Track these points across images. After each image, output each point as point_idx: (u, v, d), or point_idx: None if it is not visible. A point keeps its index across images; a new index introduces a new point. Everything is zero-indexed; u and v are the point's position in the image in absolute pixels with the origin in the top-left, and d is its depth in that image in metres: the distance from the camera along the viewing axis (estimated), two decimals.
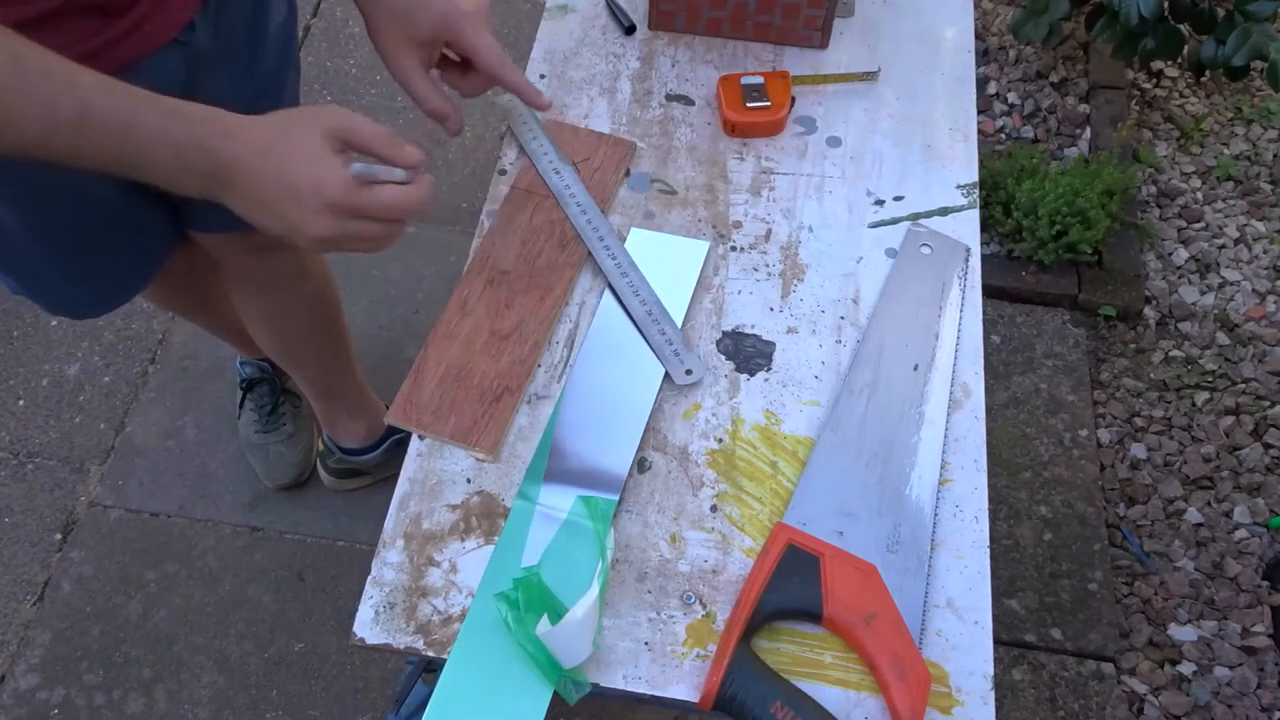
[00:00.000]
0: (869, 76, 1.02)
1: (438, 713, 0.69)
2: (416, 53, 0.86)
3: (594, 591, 0.69)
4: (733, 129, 0.98)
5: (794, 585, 0.72)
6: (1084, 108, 2.21)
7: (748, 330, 0.87)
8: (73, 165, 0.67)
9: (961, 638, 0.73)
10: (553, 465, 0.79)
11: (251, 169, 0.70)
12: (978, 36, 2.32)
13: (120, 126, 0.66)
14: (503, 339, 0.85)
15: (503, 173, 0.95)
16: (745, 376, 0.85)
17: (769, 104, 0.97)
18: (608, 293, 0.89)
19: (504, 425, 0.80)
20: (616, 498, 0.78)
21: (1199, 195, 2.12)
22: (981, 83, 2.25)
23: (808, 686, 0.70)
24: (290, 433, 1.71)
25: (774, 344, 0.87)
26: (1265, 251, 2.04)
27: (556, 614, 0.69)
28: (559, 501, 0.77)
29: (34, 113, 0.64)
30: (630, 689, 0.71)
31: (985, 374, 0.86)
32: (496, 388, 0.82)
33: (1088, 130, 2.18)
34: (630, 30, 1.07)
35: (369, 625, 0.73)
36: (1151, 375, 1.89)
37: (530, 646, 0.69)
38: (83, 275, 1.09)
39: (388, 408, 0.86)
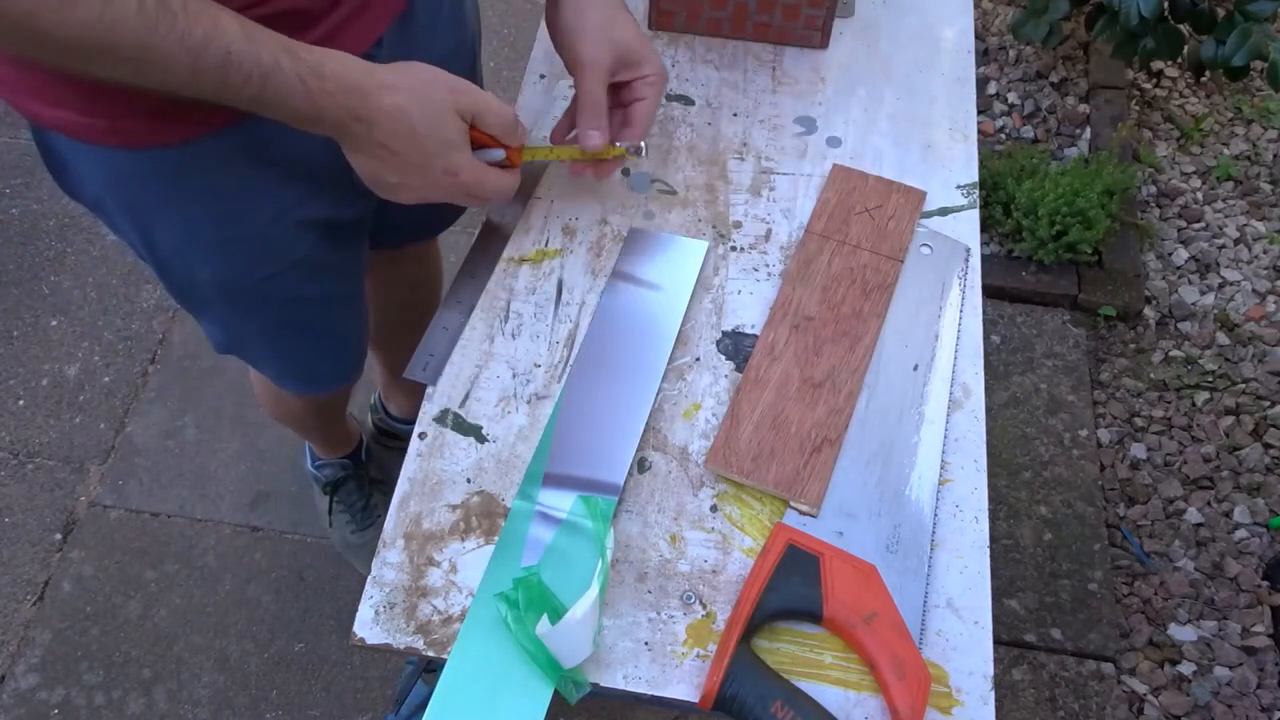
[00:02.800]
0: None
1: (438, 712, 0.69)
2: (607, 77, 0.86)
3: (594, 591, 0.69)
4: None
5: (794, 585, 0.72)
6: (1084, 108, 2.21)
7: (748, 330, 0.87)
8: (215, 102, 0.70)
9: (961, 638, 0.73)
10: (552, 465, 0.79)
11: (387, 138, 0.75)
12: (978, 36, 2.32)
13: (260, 75, 0.69)
14: (816, 387, 0.83)
15: None
16: None
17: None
18: (607, 292, 0.89)
19: (826, 478, 0.78)
20: (616, 497, 0.78)
21: (1199, 195, 2.12)
22: (981, 83, 2.25)
23: (808, 686, 0.70)
24: None
25: None
26: (1265, 251, 2.04)
27: (556, 614, 0.69)
28: (559, 501, 0.77)
29: (182, 59, 0.66)
30: (630, 689, 0.71)
31: (985, 374, 0.86)
32: (816, 438, 0.80)
33: (1088, 130, 2.18)
34: None
35: (369, 625, 0.73)
36: (1151, 375, 1.89)
37: (530, 646, 0.69)
38: (288, 348, 1.12)
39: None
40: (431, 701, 0.69)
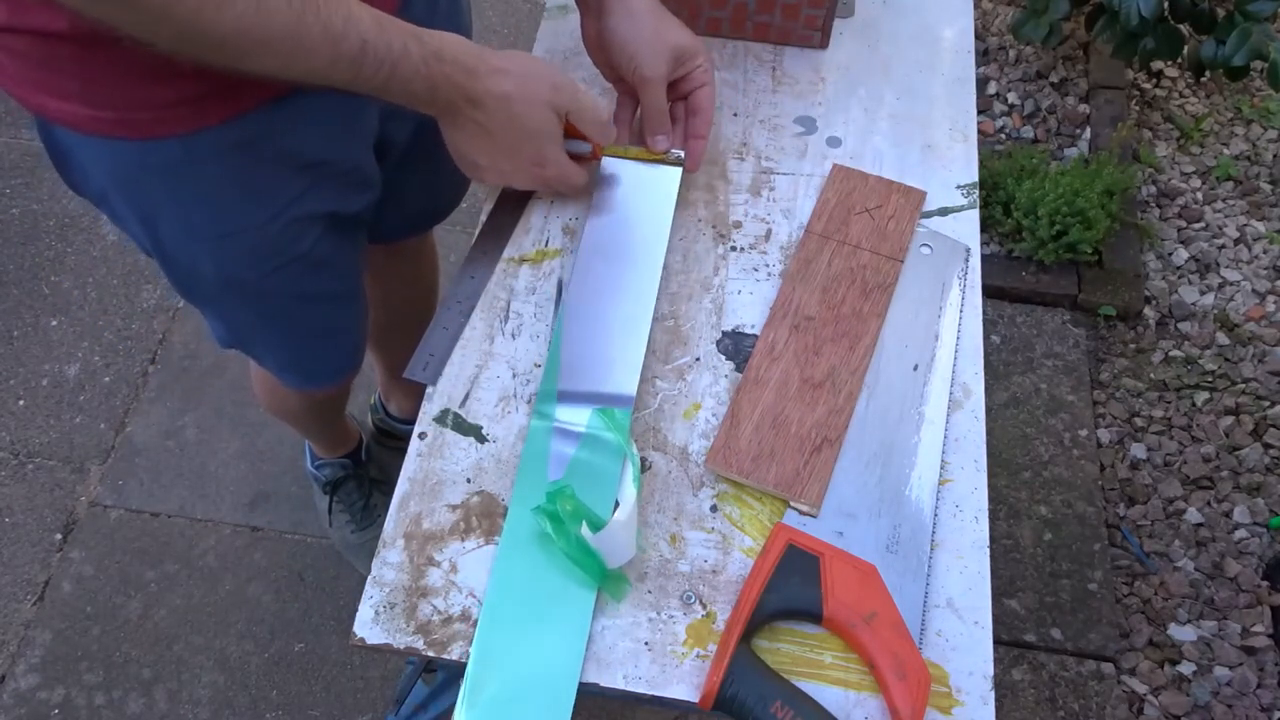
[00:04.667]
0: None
1: (486, 632, 0.71)
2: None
3: (633, 492, 0.73)
4: None
5: (794, 585, 0.72)
6: (1084, 108, 2.21)
7: (748, 330, 0.87)
8: (343, 89, 0.74)
9: (961, 638, 0.73)
10: (564, 382, 0.81)
11: (488, 120, 0.80)
12: (978, 36, 2.32)
13: (390, 63, 0.73)
14: (815, 387, 0.83)
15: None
16: None
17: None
18: (592, 215, 0.90)
19: (826, 478, 0.78)
20: (631, 408, 0.80)
21: (1199, 195, 2.12)
22: (981, 83, 2.25)
23: (808, 686, 0.70)
24: None
25: None
26: (1265, 251, 2.04)
27: (590, 521, 0.72)
28: (575, 417, 0.79)
29: (324, 49, 0.70)
30: (630, 689, 0.71)
31: (985, 374, 0.86)
32: (815, 438, 0.80)
33: (1088, 130, 2.18)
34: None
35: (369, 625, 0.73)
36: (1151, 375, 1.89)
37: (574, 552, 0.71)
38: (290, 341, 1.12)
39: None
40: (479, 624, 0.71)
